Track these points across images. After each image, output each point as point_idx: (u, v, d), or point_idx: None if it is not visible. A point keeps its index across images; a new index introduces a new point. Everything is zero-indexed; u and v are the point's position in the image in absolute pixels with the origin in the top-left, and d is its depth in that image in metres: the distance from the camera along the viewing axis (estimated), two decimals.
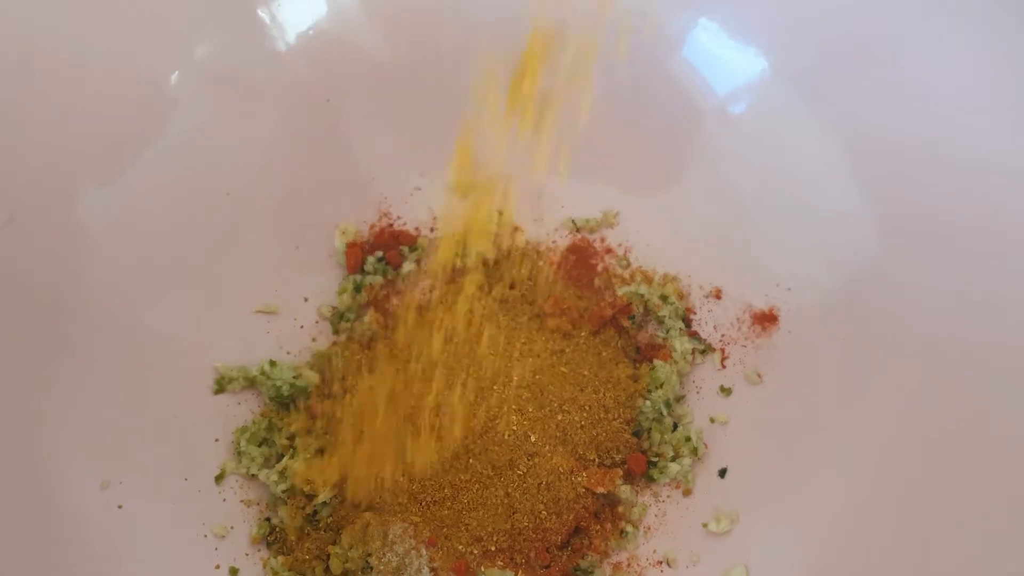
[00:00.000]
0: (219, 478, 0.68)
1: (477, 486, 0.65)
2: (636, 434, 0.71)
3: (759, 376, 0.73)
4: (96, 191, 0.67)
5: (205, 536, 0.66)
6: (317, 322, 0.76)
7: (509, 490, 0.65)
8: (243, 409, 0.71)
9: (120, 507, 0.64)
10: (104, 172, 0.67)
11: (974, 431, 0.60)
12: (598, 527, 0.67)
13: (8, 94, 0.64)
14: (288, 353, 0.74)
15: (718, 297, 0.77)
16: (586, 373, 0.71)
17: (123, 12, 0.68)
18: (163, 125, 0.69)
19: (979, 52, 0.65)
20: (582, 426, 0.69)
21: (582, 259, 0.80)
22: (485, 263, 0.78)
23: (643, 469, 0.70)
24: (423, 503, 0.66)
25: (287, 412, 0.71)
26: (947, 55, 0.65)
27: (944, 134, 0.65)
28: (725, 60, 0.74)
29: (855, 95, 0.69)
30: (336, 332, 0.75)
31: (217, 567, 0.65)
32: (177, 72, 0.71)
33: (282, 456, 0.69)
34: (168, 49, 0.71)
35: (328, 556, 0.65)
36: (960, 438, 0.61)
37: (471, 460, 0.65)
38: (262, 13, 0.73)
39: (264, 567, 0.66)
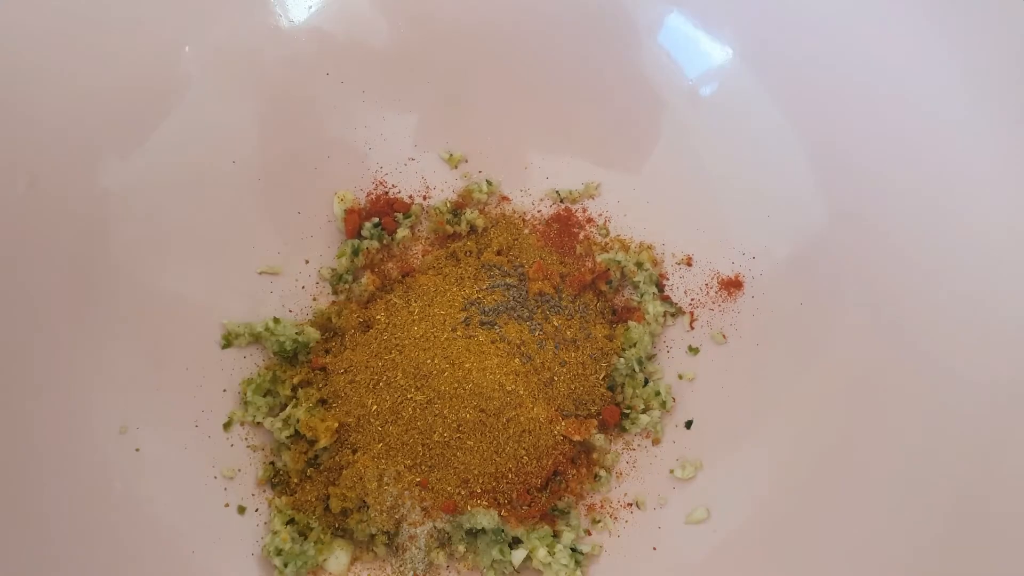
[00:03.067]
0: (227, 425, 0.74)
1: (465, 433, 0.71)
2: (611, 388, 0.77)
3: (724, 337, 0.79)
4: (118, 161, 0.71)
5: (215, 477, 0.72)
6: (317, 283, 0.81)
7: (494, 437, 0.71)
8: (248, 363, 0.77)
9: (137, 450, 0.69)
10: (125, 143, 0.72)
11: (913, 384, 0.67)
12: (574, 472, 0.74)
13: (36, 74, 0.68)
14: (290, 312, 0.80)
15: (689, 264, 0.83)
16: (568, 334, 0.77)
17: None
18: (177, 98, 0.74)
19: (931, 43, 0.70)
20: (562, 380, 0.75)
21: (565, 227, 0.85)
22: (474, 230, 0.84)
23: (616, 420, 0.76)
24: (415, 449, 0.71)
25: (290, 366, 0.77)
26: (900, 45, 0.71)
27: (892, 120, 0.71)
28: (696, 46, 0.80)
29: (812, 83, 0.75)
30: (335, 292, 0.81)
31: (226, 505, 0.71)
32: (189, 48, 0.75)
33: (286, 405, 0.75)
34: (181, 26, 0.75)
35: (328, 496, 0.71)
36: (902, 389, 0.67)
37: (460, 410, 0.71)
38: None
39: (269, 506, 0.72)
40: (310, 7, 0.81)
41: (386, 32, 0.84)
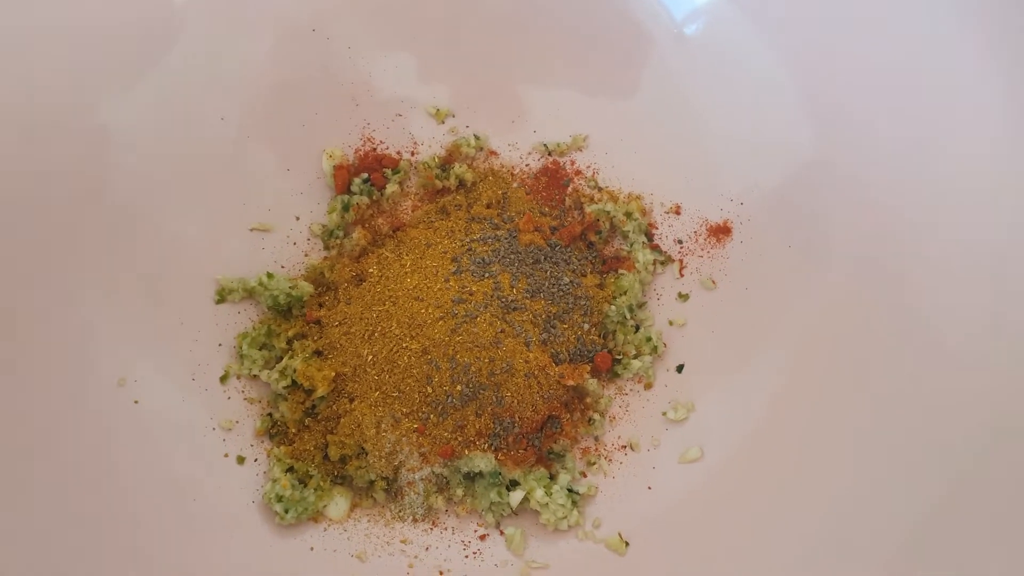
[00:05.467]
0: (223, 378, 0.75)
1: (460, 380, 0.72)
2: (602, 335, 0.78)
3: (713, 283, 0.80)
4: (115, 98, 0.72)
5: (213, 429, 0.72)
6: (309, 239, 0.82)
7: (489, 383, 0.72)
8: (243, 318, 0.77)
9: (136, 402, 0.70)
10: (121, 81, 0.72)
11: (898, 322, 0.69)
12: (568, 416, 0.75)
13: (33, 17, 0.68)
14: (282, 267, 0.80)
15: (677, 213, 0.84)
16: (560, 283, 0.78)
17: None
18: (171, 44, 0.74)
19: None
20: (555, 327, 0.76)
21: (553, 180, 0.86)
22: (463, 184, 0.84)
23: (608, 366, 0.77)
24: (411, 396, 0.72)
25: (284, 320, 0.77)
26: None
27: (881, 59, 0.72)
28: None
29: (798, 17, 0.75)
30: (327, 248, 0.81)
31: (226, 456, 0.72)
32: None
33: (281, 358, 0.75)
34: None
35: (326, 445, 0.72)
36: (886, 327, 0.69)
37: (455, 356, 0.72)
38: None
39: (268, 456, 0.73)
40: None
41: None
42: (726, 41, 0.79)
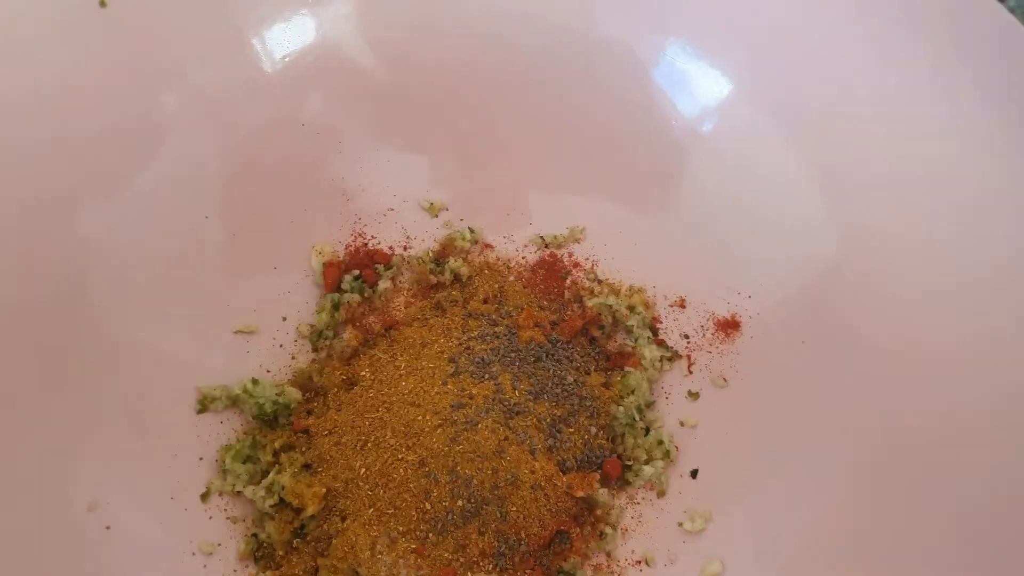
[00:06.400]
0: (204, 496, 0.69)
1: (461, 495, 0.67)
2: (610, 439, 0.74)
3: (724, 380, 0.76)
4: (98, 208, 0.68)
5: (193, 554, 0.66)
6: (296, 340, 0.77)
7: (493, 496, 0.67)
8: (226, 428, 0.72)
9: (108, 528, 0.64)
10: (105, 189, 0.69)
11: (940, 425, 0.64)
12: (578, 530, 0.70)
13: (11, 118, 0.65)
14: (268, 372, 0.75)
15: (682, 306, 0.80)
16: (564, 383, 0.73)
17: (120, 34, 0.69)
18: (152, 149, 0.71)
19: (939, 67, 0.69)
20: (561, 432, 0.71)
21: (551, 273, 0.83)
22: (458, 279, 0.81)
23: (619, 473, 0.73)
24: (408, 513, 0.67)
25: (271, 429, 0.72)
26: (905, 70, 0.70)
27: (902, 143, 0.70)
28: (692, 81, 0.78)
29: (817, 109, 0.73)
30: (316, 350, 0.77)
31: None
32: (171, 95, 0.72)
33: (267, 472, 0.70)
34: (163, 71, 0.72)
35: (317, 569, 0.66)
36: (925, 431, 0.65)
37: (455, 469, 0.67)
38: (254, 40, 0.75)
39: None
40: (284, 58, 0.79)
41: (361, 82, 0.83)
42: (740, 135, 0.77)
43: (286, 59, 0.78)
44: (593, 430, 0.73)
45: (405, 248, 0.83)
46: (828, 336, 0.72)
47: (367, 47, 0.81)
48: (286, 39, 0.78)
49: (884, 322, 0.70)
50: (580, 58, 0.79)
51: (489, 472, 0.67)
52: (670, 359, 0.79)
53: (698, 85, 0.79)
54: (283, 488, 0.68)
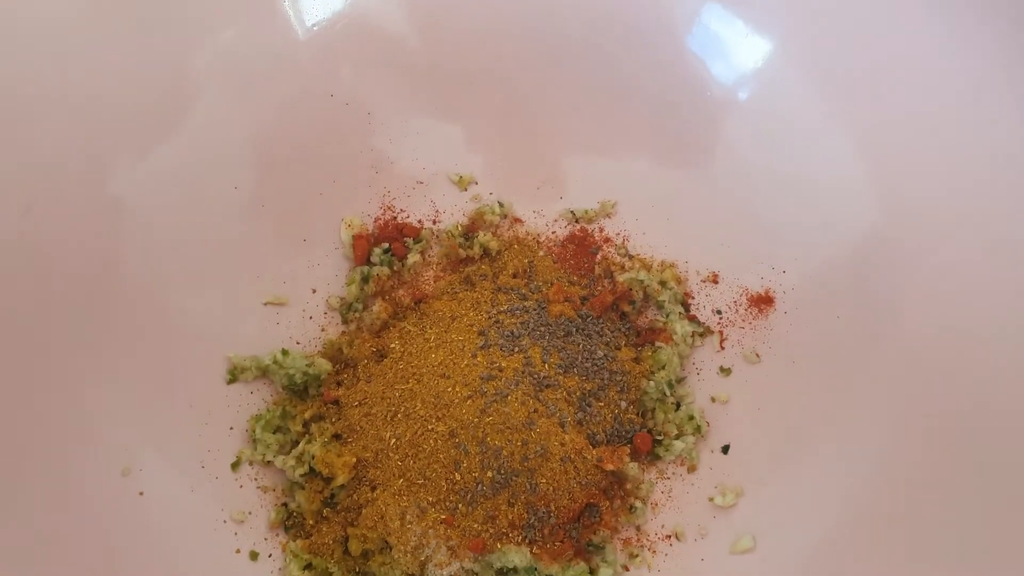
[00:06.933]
0: (235, 465, 0.69)
1: (491, 465, 0.67)
2: (640, 414, 0.73)
3: (757, 356, 0.75)
4: (129, 166, 0.68)
5: (224, 522, 0.67)
6: (326, 313, 0.77)
7: (522, 468, 0.67)
8: (255, 398, 0.72)
9: (141, 494, 0.64)
10: (136, 147, 0.68)
11: (974, 410, 0.63)
12: (607, 504, 0.69)
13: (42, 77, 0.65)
14: (298, 343, 0.75)
15: (715, 282, 0.79)
16: (595, 357, 0.73)
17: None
18: (184, 112, 0.71)
19: (998, 34, 0.67)
20: (591, 405, 0.71)
21: (581, 248, 0.82)
22: (487, 253, 0.80)
23: (649, 447, 0.72)
24: (438, 484, 0.67)
25: (300, 400, 0.72)
26: (960, 34, 0.68)
27: (954, 112, 0.67)
28: (729, 47, 0.76)
29: (858, 73, 0.71)
30: (346, 322, 0.77)
31: (237, 551, 0.66)
32: (200, 55, 0.72)
33: (297, 442, 0.70)
34: (194, 33, 0.72)
35: (347, 538, 0.66)
36: (959, 416, 0.63)
37: (485, 440, 0.67)
38: (285, 4, 0.74)
39: (284, 551, 0.67)
40: (312, 26, 0.78)
41: (391, 51, 0.82)
42: (777, 102, 0.75)
43: (314, 27, 0.78)
44: (623, 404, 0.72)
45: (434, 222, 0.82)
46: (865, 312, 0.71)
47: (398, 14, 0.80)
48: (316, 6, 0.78)
49: (923, 301, 0.68)
50: (614, 27, 0.78)
51: (519, 444, 0.67)
52: (701, 335, 0.78)
53: (735, 50, 0.77)
54: (313, 458, 0.68)
